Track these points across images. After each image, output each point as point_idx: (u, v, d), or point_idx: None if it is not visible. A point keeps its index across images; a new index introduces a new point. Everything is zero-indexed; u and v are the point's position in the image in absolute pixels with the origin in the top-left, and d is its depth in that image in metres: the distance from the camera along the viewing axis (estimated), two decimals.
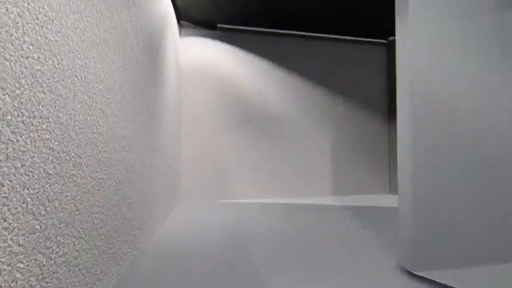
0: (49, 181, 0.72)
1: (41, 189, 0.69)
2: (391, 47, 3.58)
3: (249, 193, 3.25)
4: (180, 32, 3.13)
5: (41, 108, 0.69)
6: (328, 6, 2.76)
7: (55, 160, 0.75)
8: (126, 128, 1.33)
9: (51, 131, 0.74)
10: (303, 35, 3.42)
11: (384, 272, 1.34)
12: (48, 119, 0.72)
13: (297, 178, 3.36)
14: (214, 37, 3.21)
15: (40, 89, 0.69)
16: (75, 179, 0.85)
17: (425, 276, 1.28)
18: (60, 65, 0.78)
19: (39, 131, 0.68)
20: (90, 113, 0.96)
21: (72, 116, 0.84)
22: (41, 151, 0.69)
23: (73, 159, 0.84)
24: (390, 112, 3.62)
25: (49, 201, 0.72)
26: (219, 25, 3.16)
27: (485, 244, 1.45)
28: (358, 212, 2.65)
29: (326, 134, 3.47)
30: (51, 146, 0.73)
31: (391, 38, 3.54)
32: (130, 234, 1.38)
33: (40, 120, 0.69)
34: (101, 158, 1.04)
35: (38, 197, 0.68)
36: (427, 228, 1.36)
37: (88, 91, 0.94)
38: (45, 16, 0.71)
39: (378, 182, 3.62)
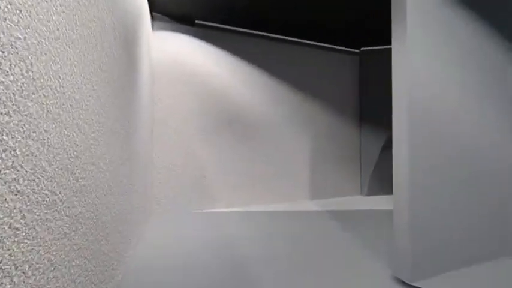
0: (15, 239, 0.51)
1: (5, 254, 0.48)
2: (362, 57, 3.78)
3: (229, 201, 3.10)
4: (152, 25, 2.80)
5: (4, 137, 0.48)
6: (309, 13, 2.76)
7: (24, 207, 0.54)
8: (103, 143, 1.09)
9: (19, 168, 0.52)
10: (284, 39, 3.39)
11: (381, 284, 1.36)
12: (14, 151, 0.50)
13: (277, 183, 3.33)
14: (191, 34, 2.96)
15: (3, 111, 0.47)
16: (49, 225, 0.63)
17: (421, 287, 1.33)
18: (30, 73, 0.56)
19: (1, 171, 0.47)
20: (66, 132, 0.73)
21: (45, 141, 0.62)
22: (5, 199, 0.48)
23: (46, 199, 0.62)
24: (361, 118, 3.83)
25: (16, 268, 0.51)
26: (197, 21, 2.92)
27: (473, 248, 1.58)
28: (342, 217, 2.73)
29: (305, 138, 3.51)
30: (18, 189, 0.52)
31: (363, 48, 3.74)
32: (108, 271, 1.15)
33: (4, 155, 0.47)
34: (78, 188, 0.82)
35: (0, 267, 0.47)
36: (423, 241, 1.42)
37: (63, 104, 0.72)
38: (10, 4, 0.49)
39: (351, 184, 3.81)
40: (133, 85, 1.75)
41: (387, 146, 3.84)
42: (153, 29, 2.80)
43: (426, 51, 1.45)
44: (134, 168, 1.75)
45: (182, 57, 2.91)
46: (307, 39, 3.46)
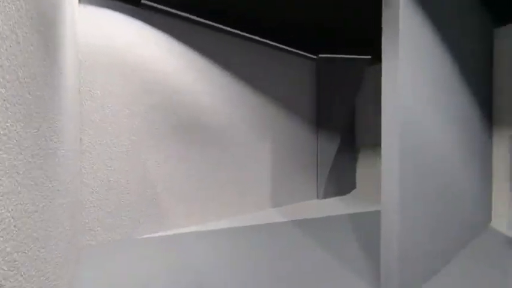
0: None
1: None
2: (319, 63, 3.86)
3: (185, 219, 2.66)
4: None
5: None
6: (273, 13, 2.58)
7: None
8: (10, 174, 0.61)
9: None
10: (247, 37, 3.11)
11: None
12: None
13: (238, 193, 3.06)
14: (135, 15, 2.36)
15: None
16: None
17: None
18: None
19: None
20: None
21: None
22: None
23: None
24: (318, 123, 3.93)
25: None
26: (143, 1, 2.34)
27: (445, 245, 1.68)
28: (306, 227, 2.67)
29: (266, 144, 3.35)
30: None
31: (320, 55, 3.81)
32: None
33: None
34: None
35: None
36: (413, 258, 1.43)
37: None
38: None
39: (309, 188, 3.88)
40: (53, 82, 1.19)
41: (341, 150, 4.06)
42: (80, 1, 2.10)
43: (413, 71, 1.45)
44: (56, 192, 1.20)
45: (124, 43, 2.30)
46: (270, 40, 3.28)
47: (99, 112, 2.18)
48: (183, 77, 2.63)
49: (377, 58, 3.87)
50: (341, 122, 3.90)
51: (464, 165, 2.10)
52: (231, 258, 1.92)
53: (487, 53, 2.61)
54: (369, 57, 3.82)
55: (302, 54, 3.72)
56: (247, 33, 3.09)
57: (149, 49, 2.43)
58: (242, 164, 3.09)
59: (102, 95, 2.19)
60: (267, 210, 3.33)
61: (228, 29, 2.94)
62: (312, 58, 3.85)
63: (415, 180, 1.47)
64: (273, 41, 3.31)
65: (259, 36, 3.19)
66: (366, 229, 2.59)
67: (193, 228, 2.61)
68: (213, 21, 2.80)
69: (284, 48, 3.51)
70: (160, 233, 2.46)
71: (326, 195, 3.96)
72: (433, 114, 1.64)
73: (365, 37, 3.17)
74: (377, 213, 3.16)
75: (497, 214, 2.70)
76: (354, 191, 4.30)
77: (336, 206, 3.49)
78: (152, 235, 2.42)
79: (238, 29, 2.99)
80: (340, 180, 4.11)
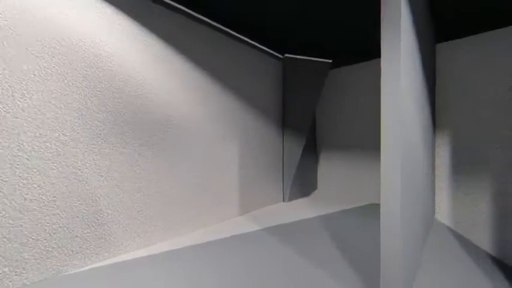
0: None
1: None
2: (286, 63, 3.78)
3: (140, 239, 2.14)
4: None
5: None
6: (239, 4, 2.33)
7: None
8: None
9: None
10: (214, 26, 2.76)
11: None
12: None
13: (203, 203, 2.68)
14: None
15: None
16: None
17: None
18: None
19: None
20: None
21: None
22: None
23: None
24: (284, 124, 3.84)
25: None
26: None
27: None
28: (279, 235, 2.49)
29: (232, 145, 3.05)
30: None
31: (286, 55, 3.73)
32: None
33: None
34: None
35: None
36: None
37: None
38: None
39: (275, 192, 3.74)
40: None
41: (305, 152, 4.06)
42: None
43: (408, 75, 1.41)
44: None
45: (56, 12, 1.68)
46: (237, 32, 3.01)
47: (9, 102, 1.53)
48: (136, 64, 2.12)
49: (337, 62, 4.02)
50: (305, 124, 3.90)
51: (427, 165, 2.26)
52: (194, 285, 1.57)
53: (433, 67, 2.92)
54: (330, 61, 3.94)
55: (269, 52, 3.57)
56: (214, 21, 2.75)
57: (93, 24, 1.86)
58: (207, 169, 2.71)
59: (15, 77, 1.54)
60: (236, 218, 3.03)
61: (195, 14, 2.55)
62: (278, 57, 3.74)
63: (406, 180, 1.43)
64: (241, 34, 3.05)
65: (227, 27, 2.88)
66: (342, 232, 2.57)
67: (148, 251, 2.12)
68: (178, 3, 2.37)
69: (252, 44, 3.29)
70: (103, 262, 1.90)
71: (291, 197, 3.90)
72: (415, 117, 1.67)
73: (327, 41, 3.21)
74: (344, 214, 3.22)
75: (439, 207, 3.06)
76: (315, 192, 4.38)
77: (303, 209, 3.44)
78: (92, 266, 1.84)
79: (205, 16, 2.62)
80: (304, 182, 4.12)
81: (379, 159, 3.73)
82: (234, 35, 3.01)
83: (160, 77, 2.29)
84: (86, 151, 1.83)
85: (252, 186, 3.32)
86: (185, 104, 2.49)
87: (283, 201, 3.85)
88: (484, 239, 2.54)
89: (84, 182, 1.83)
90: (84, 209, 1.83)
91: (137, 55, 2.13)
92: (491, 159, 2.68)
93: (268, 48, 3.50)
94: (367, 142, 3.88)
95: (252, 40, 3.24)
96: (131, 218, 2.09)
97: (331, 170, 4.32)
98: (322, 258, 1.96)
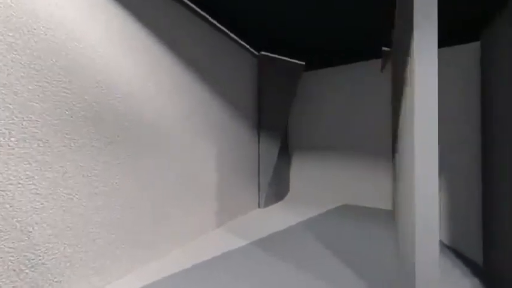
0: None
1: None
2: (261, 61, 3.56)
3: (90, 279, 1.56)
4: None
5: None
6: None
7: None
8: None
9: None
10: (195, 10, 2.32)
11: None
12: None
13: (172, 215, 2.20)
14: None
15: None
16: None
17: None
18: None
19: None
20: None
21: None
22: None
23: None
24: (260, 125, 3.61)
25: None
26: None
27: None
28: (281, 249, 2.23)
29: (210, 148, 2.65)
30: None
31: (262, 53, 3.52)
32: None
33: None
34: None
35: None
36: None
37: None
38: None
39: (250, 198, 3.46)
40: None
41: (280, 155, 3.91)
42: None
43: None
44: None
45: None
46: (215, 19, 2.64)
47: None
48: (95, 39, 1.55)
49: (310, 65, 4.03)
50: (280, 125, 3.76)
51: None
52: None
53: None
54: (303, 63, 3.91)
55: (246, 48, 3.29)
56: (195, 5, 2.32)
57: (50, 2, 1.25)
58: (180, 176, 2.25)
59: None
60: (213, 233, 2.62)
61: None
62: (254, 54, 3.50)
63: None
64: (219, 21, 2.69)
65: (205, 12, 2.48)
66: (332, 238, 2.47)
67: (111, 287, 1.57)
68: None
69: (230, 36, 2.95)
70: None
71: (267, 203, 3.69)
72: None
73: (302, 42, 3.15)
74: (325, 217, 3.16)
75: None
76: (289, 195, 4.28)
77: (282, 216, 3.26)
78: None
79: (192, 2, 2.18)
80: (278, 185, 3.96)
81: (351, 160, 3.87)
82: (211, 22, 2.63)
83: (127, 60, 1.76)
84: (9, 158, 1.21)
85: (228, 193, 2.97)
86: (157, 96, 2.00)
87: (259, 207, 3.61)
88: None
89: (8, 205, 1.21)
90: (9, 247, 1.21)
91: (98, 27, 1.57)
92: None
93: (245, 42, 3.23)
94: (338, 143, 3.99)
95: (230, 30, 2.91)
96: (84, 250, 1.51)
97: (303, 171, 4.29)
98: (328, 270, 1.79)
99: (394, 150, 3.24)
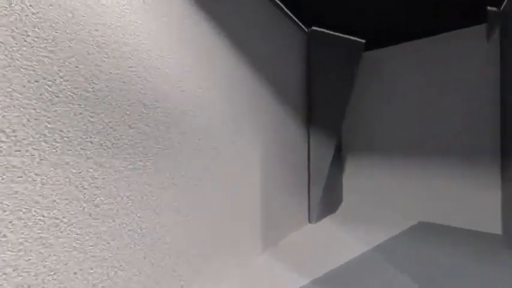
0: None
1: None
2: (311, 37, 2.86)
3: None
4: None
5: None
6: None
7: None
8: None
9: None
10: None
11: None
12: None
13: (213, 241, 1.60)
14: None
15: None
16: None
17: None
18: None
19: None
20: None
21: None
22: None
23: None
24: (310, 119, 2.89)
25: None
26: None
27: None
28: None
29: (256, 151, 2.02)
30: None
31: (314, 28, 2.81)
32: None
33: None
34: None
35: None
36: None
37: None
38: None
39: (300, 210, 2.75)
40: None
41: (338, 155, 3.16)
42: None
43: None
44: None
45: None
46: None
47: None
48: (130, 29, 1.02)
49: (373, 42, 3.21)
50: (336, 121, 3.00)
51: None
52: None
53: None
54: (363, 40, 3.11)
55: (293, 20, 2.61)
56: None
57: None
58: (221, 189, 1.64)
59: None
60: (259, 260, 1.97)
61: None
62: (302, 29, 2.81)
63: None
64: None
65: None
66: (438, 277, 1.66)
67: None
68: None
69: (280, 6, 2.31)
70: None
71: (319, 217, 2.95)
72: None
73: (364, 10, 2.36)
74: (406, 241, 2.32)
75: None
76: (342, 208, 3.48)
77: (342, 236, 2.50)
78: None
79: None
80: (331, 195, 3.20)
81: (429, 165, 2.95)
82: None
83: (153, 35, 1.20)
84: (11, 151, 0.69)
85: (277, 206, 2.31)
86: (189, 79, 1.42)
87: (310, 221, 2.89)
88: None
89: (67, 195, 0.67)
90: None
91: (140, 20, 1.06)
92: None
93: (294, 16, 2.55)
94: (409, 142, 3.10)
95: (282, 3, 2.26)
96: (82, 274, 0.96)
97: (359, 179, 3.47)
98: None
99: (505, 151, 2.29)
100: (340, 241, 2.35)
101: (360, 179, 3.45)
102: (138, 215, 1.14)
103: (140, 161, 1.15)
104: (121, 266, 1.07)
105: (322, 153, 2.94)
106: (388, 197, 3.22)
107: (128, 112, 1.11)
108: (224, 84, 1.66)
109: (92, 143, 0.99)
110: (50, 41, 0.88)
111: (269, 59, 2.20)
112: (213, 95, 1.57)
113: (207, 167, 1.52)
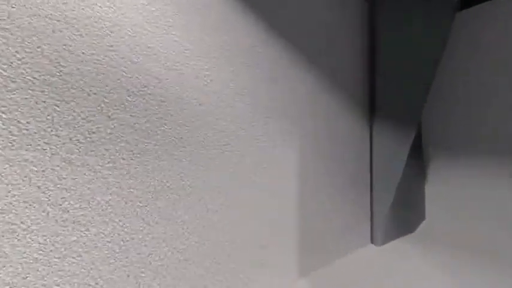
0: None
1: None
2: (375, 3, 2.20)
3: None
4: None
5: None
6: None
7: None
8: None
9: None
10: None
11: None
12: None
13: (234, 249, 1.30)
14: None
15: None
16: None
17: None
18: None
19: None
20: None
21: None
22: None
23: None
24: (373, 107, 2.24)
25: None
26: None
27: None
28: None
29: (291, 149, 1.61)
30: None
31: None
32: None
33: None
34: None
35: None
36: None
37: None
38: None
39: (358, 227, 2.15)
40: None
41: (415, 155, 2.38)
42: None
43: None
44: None
45: None
46: None
47: None
48: (143, 15, 0.87)
49: None
50: (412, 110, 2.23)
51: None
52: None
53: None
54: None
55: None
56: None
57: None
58: (248, 188, 1.32)
59: None
60: (296, 283, 1.56)
61: None
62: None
63: None
64: None
65: None
66: None
67: None
68: None
69: None
70: None
71: (387, 237, 2.25)
72: None
73: None
74: None
75: None
76: (423, 226, 2.61)
77: (418, 263, 1.76)
78: None
79: None
80: (405, 209, 2.41)
81: None
82: None
83: (185, 38, 1.00)
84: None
85: (319, 219, 1.81)
86: (207, 62, 1.16)
87: (373, 243, 2.23)
88: None
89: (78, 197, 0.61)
90: None
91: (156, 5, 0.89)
92: None
93: None
94: None
95: None
96: None
97: (449, 188, 2.51)
98: None
99: None
100: (416, 272, 1.65)
101: (450, 187, 2.49)
102: (121, 224, 0.95)
103: (123, 159, 0.96)
104: (97, 284, 0.89)
105: (392, 153, 2.22)
106: (493, 214, 2.18)
107: (106, 100, 0.92)
108: (241, 62, 1.33)
109: (58, 136, 0.84)
110: (4, 17, 0.75)
111: (312, 27, 1.73)
112: (226, 76, 1.27)
113: (217, 169, 1.23)
